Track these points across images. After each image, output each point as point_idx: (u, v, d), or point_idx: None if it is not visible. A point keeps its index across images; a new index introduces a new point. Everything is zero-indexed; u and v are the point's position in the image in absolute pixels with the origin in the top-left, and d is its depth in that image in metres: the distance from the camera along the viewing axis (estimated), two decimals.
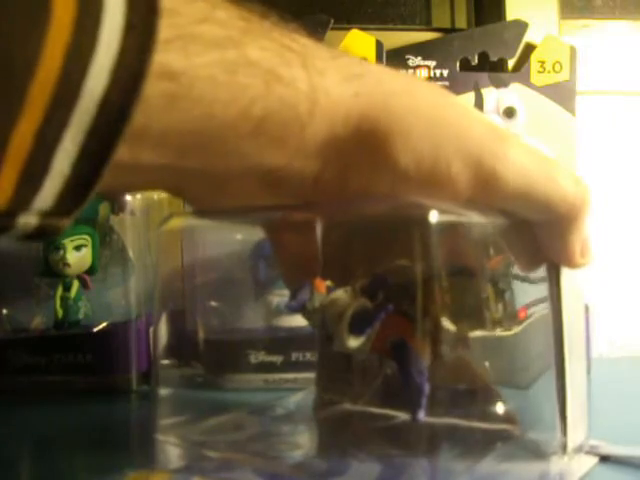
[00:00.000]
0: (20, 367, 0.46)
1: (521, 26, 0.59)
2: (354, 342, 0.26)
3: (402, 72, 0.25)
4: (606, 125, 0.62)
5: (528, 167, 0.24)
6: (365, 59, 0.52)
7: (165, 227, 0.28)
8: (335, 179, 0.23)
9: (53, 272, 0.48)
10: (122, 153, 0.17)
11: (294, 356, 0.44)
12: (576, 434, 0.28)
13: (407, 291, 0.25)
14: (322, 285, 0.27)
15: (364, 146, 0.22)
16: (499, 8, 0.62)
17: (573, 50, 0.58)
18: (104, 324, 0.48)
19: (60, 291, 0.48)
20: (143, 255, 0.49)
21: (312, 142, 0.22)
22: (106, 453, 0.33)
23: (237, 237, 0.40)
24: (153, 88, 0.17)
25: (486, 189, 0.23)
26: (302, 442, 0.30)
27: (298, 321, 0.45)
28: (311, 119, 0.21)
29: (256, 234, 0.36)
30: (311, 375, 0.43)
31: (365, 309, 0.26)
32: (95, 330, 0.48)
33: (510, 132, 0.25)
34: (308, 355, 0.44)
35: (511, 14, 0.61)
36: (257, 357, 0.44)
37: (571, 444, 0.27)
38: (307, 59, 0.21)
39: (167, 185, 0.25)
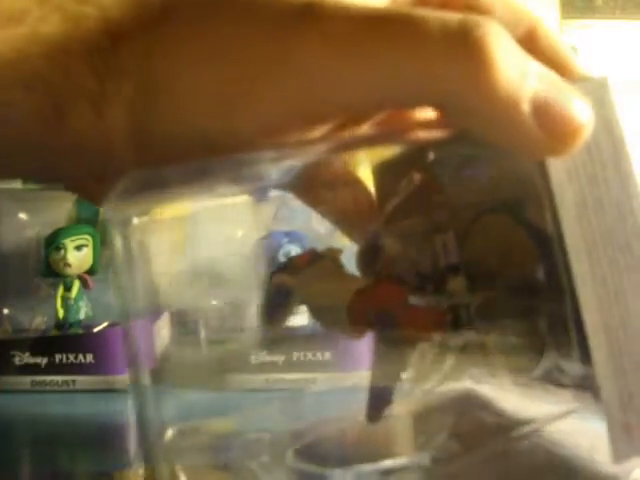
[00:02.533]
0: (20, 367, 0.46)
1: None
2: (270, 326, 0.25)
3: None
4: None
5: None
6: None
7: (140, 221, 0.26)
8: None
9: (54, 272, 0.48)
10: None
11: (295, 356, 0.44)
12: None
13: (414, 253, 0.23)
14: (304, 259, 0.25)
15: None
16: None
17: (574, 50, 0.58)
18: (105, 324, 0.48)
19: (61, 291, 0.48)
20: (144, 254, 0.49)
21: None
22: (106, 453, 0.33)
23: (237, 234, 0.40)
24: None
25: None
26: None
27: (300, 320, 0.45)
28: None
29: (257, 230, 0.36)
30: (312, 375, 0.43)
31: (280, 285, 0.24)
32: (96, 330, 0.47)
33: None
34: (309, 355, 0.44)
35: None
36: (258, 357, 0.44)
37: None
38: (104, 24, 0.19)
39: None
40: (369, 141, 0.20)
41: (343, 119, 0.20)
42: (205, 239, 0.43)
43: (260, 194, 0.26)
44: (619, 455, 0.19)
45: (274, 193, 0.34)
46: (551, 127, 0.17)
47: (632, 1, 0.65)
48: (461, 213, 0.22)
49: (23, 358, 0.46)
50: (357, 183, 0.25)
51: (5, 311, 0.49)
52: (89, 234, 0.48)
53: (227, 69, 0.18)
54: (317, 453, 0.24)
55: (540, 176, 0.19)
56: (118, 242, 0.18)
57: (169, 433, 0.27)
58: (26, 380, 0.46)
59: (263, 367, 0.44)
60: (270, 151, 0.18)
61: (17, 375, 0.46)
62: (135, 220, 0.19)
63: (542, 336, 0.20)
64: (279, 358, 0.44)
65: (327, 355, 0.43)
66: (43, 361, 0.47)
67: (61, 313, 0.48)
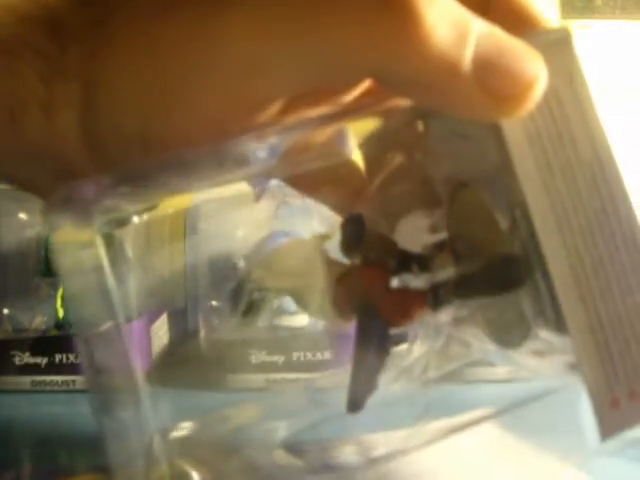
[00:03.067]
0: (20, 367, 0.46)
1: None
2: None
3: None
4: (606, 125, 0.62)
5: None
6: None
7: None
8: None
9: (54, 272, 0.48)
10: None
11: (295, 356, 0.44)
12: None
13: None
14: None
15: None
16: None
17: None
18: None
19: (61, 291, 0.48)
20: (143, 255, 0.49)
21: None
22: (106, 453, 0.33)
23: (238, 234, 0.40)
24: None
25: None
26: None
27: (299, 320, 0.45)
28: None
29: (257, 232, 0.36)
30: (312, 375, 0.43)
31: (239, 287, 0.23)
32: None
33: None
34: (309, 355, 0.44)
35: None
36: (258, 357, 0.44)
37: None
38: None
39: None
40: (341, 116, 0.19)
41: (289, 101, 0.19)
42: (205, 240, 0.43)
43: (258, 184, 0.25)
44: (608, 432, 0.18)
45: (273, 191, 0.34)
46: (497, 87, 0.15)
47: (632, 1, 0.65)
48: (446, 188, 0.21)
49: (23, 358, 0.46)
50: (347, 163, 0.24)
51: (5, 311, 0.49)
52: None
53: (162, 63, 0.18)
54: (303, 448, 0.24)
55: (496, 142, 0.17)
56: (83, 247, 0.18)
57: (166, 434, 0.27)
58: (26, 380, 0.46)
59: (263, 367, 0.44)
60: (245, 135, 0.18)
61: (17, 375, 0.46)
62: (135, 219, 0.19)
63: (526, 311, 0.19)
64: (279, 358, 0.44)
65: (327, 355, 0.43)
66: (43, 361, 0.47)
67: (61, 313, 0.48)
